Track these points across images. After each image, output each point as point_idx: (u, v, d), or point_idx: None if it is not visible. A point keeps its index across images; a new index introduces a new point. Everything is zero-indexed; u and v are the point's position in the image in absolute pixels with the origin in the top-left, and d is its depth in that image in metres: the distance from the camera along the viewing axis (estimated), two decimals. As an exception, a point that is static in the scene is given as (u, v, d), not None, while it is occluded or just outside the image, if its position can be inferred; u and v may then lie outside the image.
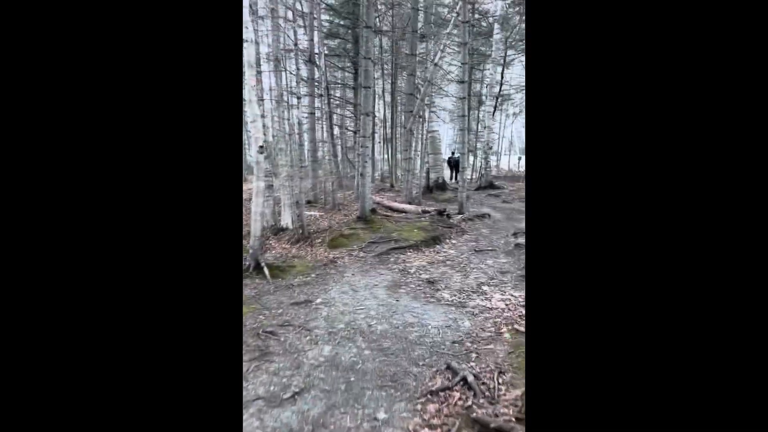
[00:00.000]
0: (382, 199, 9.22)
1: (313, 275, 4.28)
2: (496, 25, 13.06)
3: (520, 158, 26.18)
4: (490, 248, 5.25)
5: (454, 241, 5.75)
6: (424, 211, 7.32)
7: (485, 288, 3.78)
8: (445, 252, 5.17)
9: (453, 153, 14.11)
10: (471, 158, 16.28)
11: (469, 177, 16.96)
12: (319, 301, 3.55)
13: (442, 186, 11.78)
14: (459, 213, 7.60)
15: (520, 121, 21.91)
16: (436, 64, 7.94)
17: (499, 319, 3.05)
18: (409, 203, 9.31)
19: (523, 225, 7.02)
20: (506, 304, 3.34)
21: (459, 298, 3.54)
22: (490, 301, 3.44)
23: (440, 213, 7.03)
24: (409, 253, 4.97)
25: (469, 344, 2.68)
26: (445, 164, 13.58)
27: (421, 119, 10.33)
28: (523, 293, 3.57)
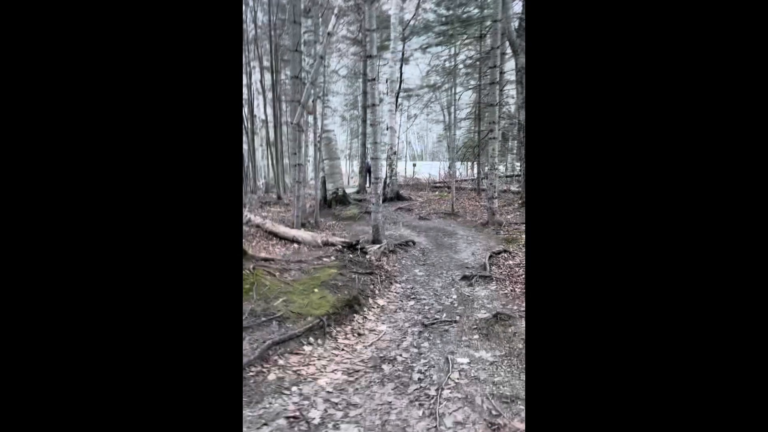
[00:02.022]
0: (263, 221, 6.56)
1: None
2: (392, 17, 11.44)
3: (414, 164, 25.37)
4: (446, 318, 3.12)
5: (380, 302, 3.50)
6: (327, 244, 4.94)
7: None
8: (371, 335, 2.88)
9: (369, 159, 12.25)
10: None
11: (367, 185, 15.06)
12: None
13: (342, 199, 9.53)
14: (375, 242, 5.41)
15: (421, 123, 21.01)
16: (330, 34, 5.67)
17: None
18: (303, 226, 6.82)
19: (463, 256, 5.12)
20: None
21: None
22: None
23: (351, 247, 4.73)
24: (305, 349, 2.54)
25: None
26: (360, 172, 11.63)
27: (310, 115, 7.94)
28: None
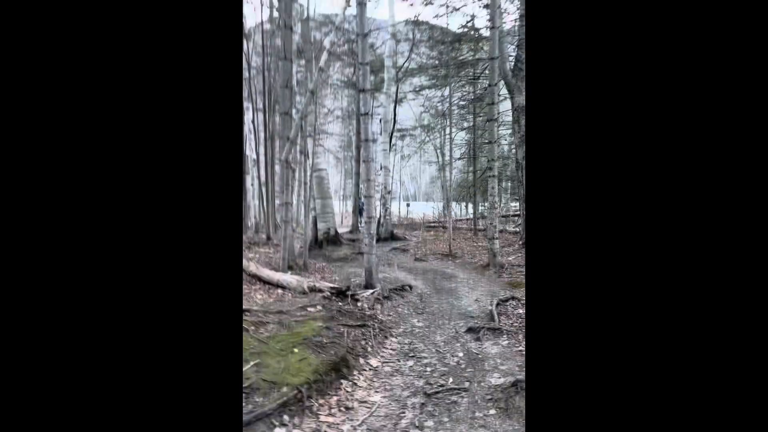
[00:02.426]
0: (248, 263, 6.03)
1: None
2: (386, 59, 11.59)
3: (408, 204, 25.15)
4: (453, 385, 2.58)
5: (373, 362, 2.95)
6: (314, 290, 4.42)
7: None
8: (362, 408, 2.33)
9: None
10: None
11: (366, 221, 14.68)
12: None
13: (334, 239, 9.06)
14: (368, 286, 4.90)
15: (414, 164, 20.95)
16: (322, 69, 5.47)
17: None
18: (290, 268, 6.30)
19: (465, 303, 4.61)
20: None
21: None
22: None
23: (340, 293, 4.22)
24: None
25: None
26: (354, 212, 11.29)
27: (302, 154, 7.66)
28: None
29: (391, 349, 3.23)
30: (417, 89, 14.37)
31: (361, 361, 2.90)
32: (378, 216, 11.61)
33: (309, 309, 3.67)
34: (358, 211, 12.96)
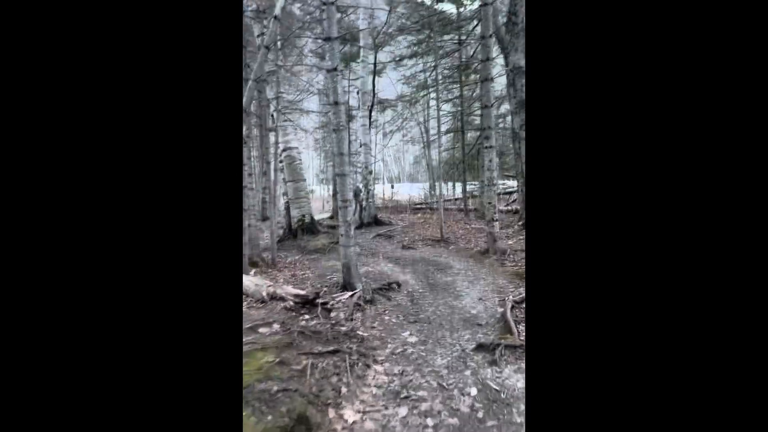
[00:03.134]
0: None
1: None
2: (361, 24, 10.36)
3: (392, 186, 24.09)
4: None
5: (348, 415, 1.99)
6: (274, 298, 3.43)
7: None
8: None
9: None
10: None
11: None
12: None
13: (310, 227, 8.03)
14: (346, 287, 3.93)
15: (397, 145, 19.73)
16: (277, 18, 4.34)
17: None
18: (255, 265, 5.30)
19: (467, 302, 3.70)
20: None
21: None
22: None
23: (307, 302, 3.24)
24: None
25: None
26: (334, 195, 10.20)
27: (266, 130, 6.55)
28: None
29: (374, 385, 2.29)
30: (397, 59, 13.21)
31: (331, 415, 1.96)
32: (360, 199, 10.59)
33: (261, 330, 2.69)
34: (355, 194, 11.97)
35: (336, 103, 3.79)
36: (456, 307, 3.58)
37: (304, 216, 7.96)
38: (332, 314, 3.15)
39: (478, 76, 10.36)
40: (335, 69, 3.68)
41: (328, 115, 14.84)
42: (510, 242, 6.11)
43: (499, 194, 12.46)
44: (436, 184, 16.20)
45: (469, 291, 4.07)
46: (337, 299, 3.52)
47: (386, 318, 3.36)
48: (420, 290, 4.17)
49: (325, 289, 4.10)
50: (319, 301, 3.22)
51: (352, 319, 3.14)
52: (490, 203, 5.48)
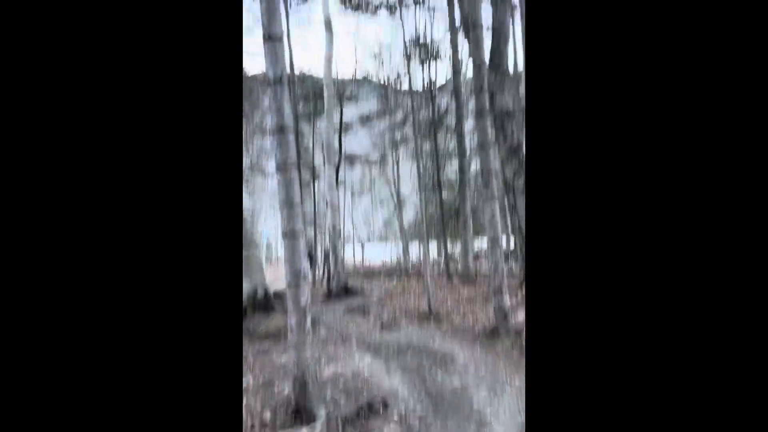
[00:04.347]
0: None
1: None
2: (323, 71, 9.69)
3: (362, 245, 22.52)
4: None
5: None
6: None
7: None
8: None
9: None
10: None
11: (309, 276, 11.95)
12: None
13: (263, 303, 6.39)
14: (299, 413, 2.38)
15: (364, 206, 18.67)
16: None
17: None
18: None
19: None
20: None
21: None
22: None
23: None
24: None
25: None
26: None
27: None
28: None
29: None
30: (366, 117, 12.62)
31: None
32: (327, 264, 9.12)
33: None
34: (308, 256, 10.48)
35: (281, 129, 2.51)
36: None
37: (256, 289, 6.35)
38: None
39: (452, 127, 9.71)
40: (280, 79, 2.47)
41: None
42: (520, 317, 4.78)
43: (475, 255, 11.27)
44: (414, 244, 15.03)
45: (497, 410, 2.62)
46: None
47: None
48: (419, 412, 2.67)
49: (267, 417, 2.53)
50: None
51: None
52: (496, 268, 4.21)
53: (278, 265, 11.09)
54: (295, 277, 2.45)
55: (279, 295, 7.17)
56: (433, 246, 11.83)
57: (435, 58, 10.28)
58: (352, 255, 19.85)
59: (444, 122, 10.40)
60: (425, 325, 5.24)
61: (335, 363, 3.65)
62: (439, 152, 9.87)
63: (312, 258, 9.11)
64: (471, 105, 7.62)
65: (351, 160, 12.79)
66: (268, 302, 6.39)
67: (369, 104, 12.60)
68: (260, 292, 6.41)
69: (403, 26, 9.23)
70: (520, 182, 5.51)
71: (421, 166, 7.98)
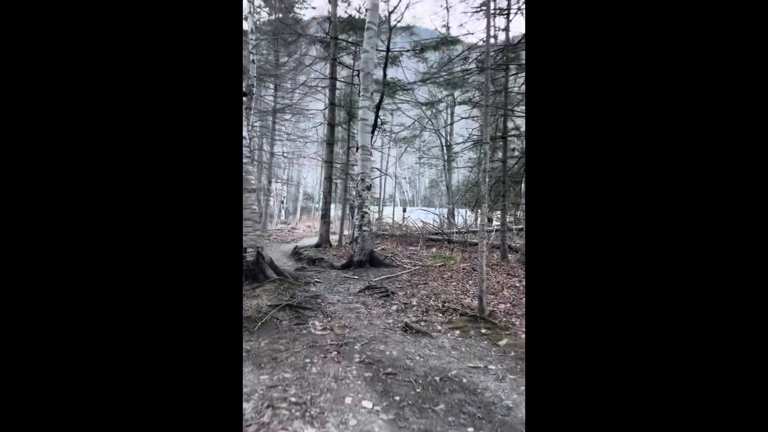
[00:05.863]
0: None
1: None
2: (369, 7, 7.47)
3: (405, 210, 20.60)
4: None
5: None
6: None
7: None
8: None
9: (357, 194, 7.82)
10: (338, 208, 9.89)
11: (336, 238, 10.35)
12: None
13: (255, 270, 4.83)
14: None
15: (413, 167, 16.11)
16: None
17: None
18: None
19: None
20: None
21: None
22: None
23: None
24: None
25: None
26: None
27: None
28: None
29: None
30: (415, 48, 10.30)
31: None
32: (352, 225, 7.43)
33: None
34: (350, 210, 8.97)
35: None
36: None
37: (246, 251, 4.78)
38: None
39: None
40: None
41: (323, 113, 11.62)
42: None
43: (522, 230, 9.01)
44: (460, 210, 12.95)
45: None
46: None
47: None
48: None
49: None
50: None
51: None
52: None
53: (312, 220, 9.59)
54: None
55: (299, 251, 5.60)
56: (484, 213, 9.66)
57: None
58: (391, 214, 18.08)
59: (518, 56, 7.92)
60: (470, 331, 3.40)
61: (312, 410, 1.94)
62: (509, 94, 7.52)
63: (353, 210, 7.42)
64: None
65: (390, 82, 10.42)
66: (258, 267, 4.82)
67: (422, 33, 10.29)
68: (250, 255, 4.84)
69: None
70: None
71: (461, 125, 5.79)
